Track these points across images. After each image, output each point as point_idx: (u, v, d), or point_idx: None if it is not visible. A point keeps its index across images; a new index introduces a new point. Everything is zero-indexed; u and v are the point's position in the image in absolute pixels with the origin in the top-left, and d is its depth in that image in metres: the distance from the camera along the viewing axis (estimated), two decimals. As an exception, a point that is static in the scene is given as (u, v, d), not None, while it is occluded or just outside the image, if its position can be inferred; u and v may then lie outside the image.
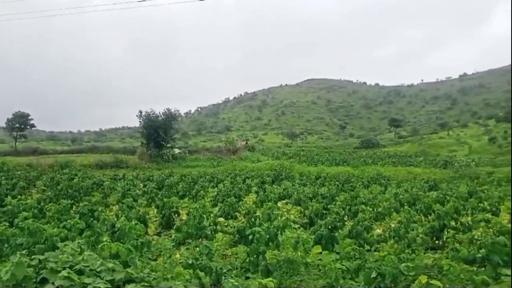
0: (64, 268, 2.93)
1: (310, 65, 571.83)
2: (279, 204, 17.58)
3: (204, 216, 12.10)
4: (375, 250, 9.72)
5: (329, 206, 14.99)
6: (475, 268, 7.10)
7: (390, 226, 12.38)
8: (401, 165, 42.53)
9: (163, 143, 43.46)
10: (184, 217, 13.25)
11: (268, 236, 9.15)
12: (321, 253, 8.75)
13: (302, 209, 15.61)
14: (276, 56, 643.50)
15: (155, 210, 15.63)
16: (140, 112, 44.01)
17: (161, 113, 44.41)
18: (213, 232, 10.89)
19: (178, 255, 9.63)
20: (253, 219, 10.23)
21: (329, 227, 10.35)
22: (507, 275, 6.84)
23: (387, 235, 10.58)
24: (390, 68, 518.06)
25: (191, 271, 5.78)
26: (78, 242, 3.92)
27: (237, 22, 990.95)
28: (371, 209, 15.02)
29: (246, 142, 79.14)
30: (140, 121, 44.18)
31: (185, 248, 10.10)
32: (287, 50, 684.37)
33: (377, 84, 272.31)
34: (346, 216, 13.32)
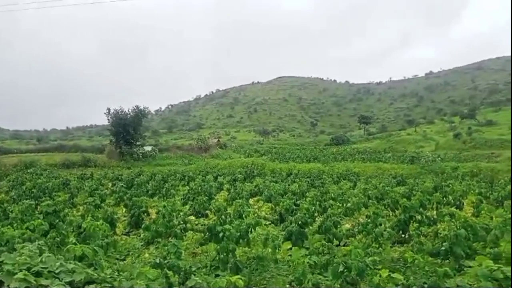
0: (21, 270, 2.82)
1: (281, 63, 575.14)
2: (251, 201, 17.62)
3: (174, 214, 12.00)
4: (344, 245, 9.89)
5: (299, 202, 15.13)
6: (439, 261, 7.34)
7: (359, 221, 12.61)
8: (370, 161, 43.41)
9: (133, 141, 42.72)
10: (154, 216, 13.07)
11: (238, 234, 9.15)
12: (291, 249, 8.84)
13: (273, 206, 15.69)
14: (247, 53, 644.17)
15: (124, 209, 15.36)
16: (108, 109, 43.14)
17: (130, 110, 43.62)
18: (183, 231, 10.80)
19: (147, 255, 9.51)
20: (223, 217, 10.19)
21: (299, 223, 10.45)
22: (470, 267, 7.09)
23: (356, 230, 10.79)
24: (360, 66, 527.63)
25: (158, 270, 5.72)
26: (38, 244, 3.79)
27: (209, 20, 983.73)
28: (340, 205, 15.26)
29: (218, 140, 78.84)
30: (108, 119, 43.27)
31: (154, 247, 9.97)
32: (258, 48, 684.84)
33: (347, 82, 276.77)
34: (316, 212, 13.47)
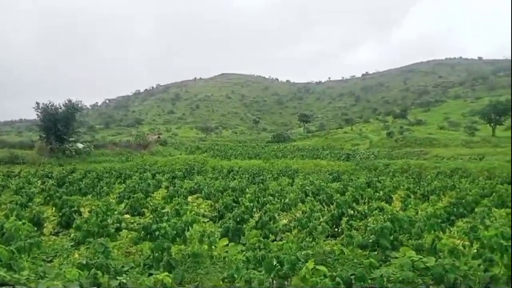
0: None
1: (225, 60, 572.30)
2: (190, 198, 17.43)
3: (108, 213, 11.56)
4: (280, 240, 10.07)
5: (239, 199, 15.24)
6: (367, 253, 7.70)
7: (296, 216, 12.90)
8: (309, 158, 44.55)
9: (65, 137, 40.45)
10: (87, 216, 12.50)
11: (175, 232, 9.01)
12: (227, 245, 8.86)
13: (213, 203, 15.65)
14: (190, 49, 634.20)
15: (54, 209, 14.53)
16: (37, 104, 40.47)
17: (61, 105, 41.26)
18: (117, 230, 10.44)
19: (76, 255, 9.07)
20: (160, 215, 9.98)
21: (237, 219, 10.51)
22: (395, 258, 7.50)
23: (292, 225, 11.04)
24: (303, 66, 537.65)
25: (84, 271, 5.46)
26: None
27: (154, 13, 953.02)
28: (278, 201, 15.53)
29: (158, 136, 77.08)
30: (37, 114, 40.64)
31: (85, 247, 9.53)
32: (202, 43, 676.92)
33: (288, 81, 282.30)
34: (255, 208, 13.60)
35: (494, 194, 17.58)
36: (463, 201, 14.43)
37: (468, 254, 7.77)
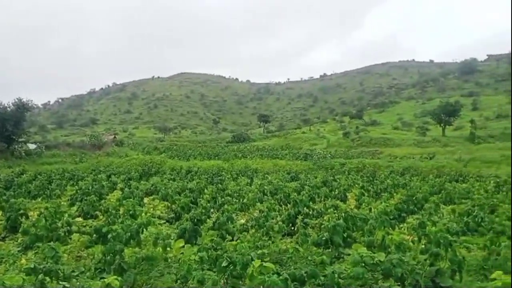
0: None
1: (183, 59, 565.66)
2: (146, 200, 17.07)
3: (58, 216, 11.10)
4: (237, 240, 10.06)
5: (197, 200, 15.09)
6: (321, 250, 7.84)
7: (253, 215, 12.94)
8: (268, 158, 44.86)
9: (14, 137, 38.48)
10: (35, 219, 11.93)
11: (129, 234, 8.78)
12: (184, 247, 8.73)
13: (170, 204, 15.40)
14: (147, 47, 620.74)
15: (1, 212, 13.78)
16: (-17, 103, 38.32)
17: (10, 103, 39.25)
18: (67, 233, 10.05)
19: (23, 261, 8.64)
20: (112, 217, 9.69)
21: (194, 220, 10.39)
22: (348, 255, 7.69)
23: (249, 225, 11.07)
24: (264, 66, 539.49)
25: (31, 276, 5.21)
26: None
27: (111, 7, 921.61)
28: (237, 200, 15.52)
29: (115, 137, 75.02)
30: (-17, 113, 38.41)
31: (34, 252, 9.12)
32: (160, 42, 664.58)
33: (248, 81, 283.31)
34: (213, 209, 13.52)
35: (442, 191, 18.47)
36: (414, 198, 15.06)
37: (416, 249, 8.12)
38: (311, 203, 14.44)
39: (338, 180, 23.75)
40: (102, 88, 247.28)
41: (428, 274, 5.06)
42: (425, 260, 5.77)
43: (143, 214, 11.70)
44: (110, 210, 11.08)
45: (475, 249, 9.12)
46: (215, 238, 7.96)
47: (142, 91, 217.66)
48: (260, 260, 4.44)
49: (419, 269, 5.38)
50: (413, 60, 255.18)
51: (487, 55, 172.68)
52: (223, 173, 28.88)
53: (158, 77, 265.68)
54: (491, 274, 4.55)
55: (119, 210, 12.64)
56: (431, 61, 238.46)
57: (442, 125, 66.74)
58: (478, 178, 26.61)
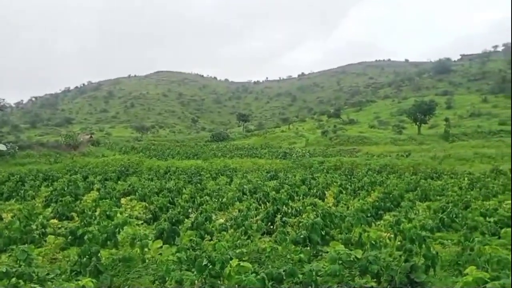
0: None
1: (160, 57, 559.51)
2: (123, 200, 16.81)
3: (32, 218, 10.85)
4: (216, 239, 10.03)
5: (175, 200, 14.98)
6: (300, 248, 7.89)
7: (233, 215, 12.92)
8: (247, 157, 44.88)
9: (-14, 137, 37.36)
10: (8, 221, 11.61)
11: (105, 235, 8.65)
12: (162, 247, 8.65)
13: (147, 205, 15.22)
14: (124, 45, 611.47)
15: (-30, 215, 13.34)
16: (-47, 101, 37.03)
17: (-18, 103, 38.07)
18: (42, 235, 9.82)
19: (-4, 264, 8.40)
20: (88, 218, 9.52)
21: (172, 220, 10.31)
22: (326, 252, 7.77)
23: (228, 224, 11.04)
24: (240, 65, 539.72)
25: (4, 280, 5.07)
26: None
27: (87, 3, 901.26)
28: (216, 200, 15.48)
29: (91, 136, 73.56)
30: (-47, 112, 37.14)
31: (7, 255, 8.87)
32: (137, 40, 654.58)
33: (226, 80, 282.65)
34: (191, 209, 13.44)
35: (418, 188, 18.88)
36: (390, 195, 15.34)
37: (393, 246, 8.27)
38: (290, 201, 14.53)
39: (316, 178, 23.96)
40: (77, 87, 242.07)
41: (403, 270, 5.16)
42: (400, 256, 5.88)
43: (119, 214, 11.56)
44: (86, 211, 10.87)
45: (449, 245, 9.35)
46: (193, 238, 7.92)
47: (118, 90, 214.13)
48: (237, 260, 4.44)
49: (394, 265, 5.48)
50: (389, 59, 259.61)
51: (460, 55, 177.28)
52: (202, 172, 28.75)
53: (135, 75, 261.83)
54: (464, 269, 4.68)
55: (95, 211, 12.43)
56: (407, 61, 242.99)
57: (417, 123, 68.11)
58: (453, 175, 27.31)
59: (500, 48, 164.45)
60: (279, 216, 10.94)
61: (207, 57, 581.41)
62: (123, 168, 29.72)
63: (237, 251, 7.34)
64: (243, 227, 9.34)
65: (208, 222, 10.49)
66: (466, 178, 24.24)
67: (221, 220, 12.63)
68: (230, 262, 4.51)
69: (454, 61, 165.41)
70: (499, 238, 8.81)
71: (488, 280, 3.86)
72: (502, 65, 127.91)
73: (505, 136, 56.02)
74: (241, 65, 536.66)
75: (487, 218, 10.92)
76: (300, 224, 8.51)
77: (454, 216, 11.12)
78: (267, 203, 14.85)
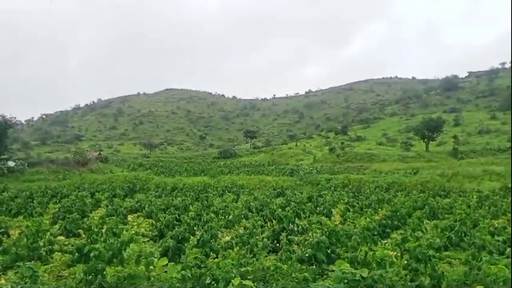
0: None
1: (169, 75, 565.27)
2: (130, 217, 16.86)
3: (39, 234, 10.91)
4: (222, 257, 9.99)
5: (182, 217, 14.97)
6: (305, 267, 7.85)
7: (239, 232, 12.89)
8: (254, 174, 44.84)
9: (-3, 154, 37.86)
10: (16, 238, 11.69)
11: (111, 253, 8.67)
12: (167, 265, 8.64)
13: (154, 222, 15.23)
14: (133, 63, 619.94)
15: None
16: (-35, 119, 37.74)
17: (-7, 120, 38.73)
18: (48, 252, 9.87)
19: (3, 281, 8.46)
20: (94, 236, 9.56)
21: (178, 238, 10.30)
22: (332, 271, 7.71)
23: (234, 242, 11.01)
24: (248, 82, 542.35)
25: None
26: None
27: (97, 21, 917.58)
28: (222, 217, 15.45)
29: (99, 153, 74.10)
30: (-35, 130, 37.78)
31: (14, 272, 8.92)
32: (146, 58, 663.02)
33: (234, 97, 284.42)
34: (196, 226, 13.42)
35: (426, 206, 18.68)
36: (397, 214, 15.19)
37: (399, 265, 8.18)
38: (296, 219, 14.47)
39: (323, 195, 23.83)
40: (87, 104, 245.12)
41: (409, 289, 5.12)
42: (406, 275, 5.83)
43: (125, 231, 11.59)
44: (92, 228, 10.92)
45: (457, 264, 9.23)
46: (199, 256, 7.91)
47: (127, 107, 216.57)
48: (239, 278, 4.44)
49: (400, 285, 5.44)
50: (396, 76, 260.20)
51: (468, 72, 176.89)
52: (209, 189, 28.76)
53: (144, 93, 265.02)
54: (471, 288, 4.64)
55: (102, 228, 12.48)
56: (414, 78, 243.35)
57: (425, 140, 67.74)
58: (461, 193, 26.99)
59: (507, 65, 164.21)
60: (284, 234, 10.90)
61: (215, 74, 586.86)
62: (130, 185, 29.84)
63: (242, 269, 7.31)
64: (249, 245, 9.31)
65: (213, 239, 10.48)
66: (474, 196, 23.94)
67: (227, 238, 12.60)
68: (232, 281, 4.51)
69: (462, 78, 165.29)
70: (508, 257, 8.68)
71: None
72: (510, 81, 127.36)
73: (515, 153, 55.43)
74: (249, 82, 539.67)
75: (496, 237, 10.76)
76: (306, 243, 8.47)
77: (462, 234, 10.99)
78: (273, 220, 14.79)
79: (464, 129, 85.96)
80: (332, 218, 16.51)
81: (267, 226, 13.93)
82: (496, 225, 13.56)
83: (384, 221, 13.31)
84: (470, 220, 14.17)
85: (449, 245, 10.41)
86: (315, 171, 47.35)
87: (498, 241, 10.15)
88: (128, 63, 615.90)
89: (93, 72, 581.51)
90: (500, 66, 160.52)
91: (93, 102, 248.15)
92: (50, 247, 10.13)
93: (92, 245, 7.83)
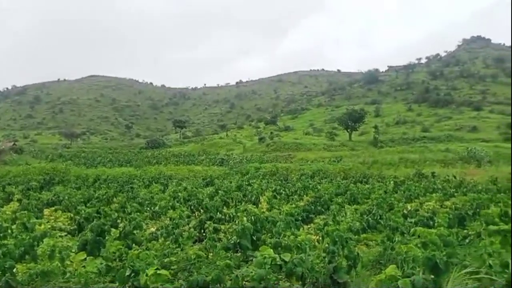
0: None
1: (94, 62, 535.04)
2: (46, 211, 15.75)
3: None
4: (146, 249, 9.69)
5: (103, 209, 14.28)
6: (230, 254, 7.86)
7: (164, 223, 12.59)
8: (184, 164, 44.21)
9: None
10: None
11: (23, 249, 8.03)
12: (85, 259, 8.20)
13: (73, 215, 14.38)
14: (53, 47, 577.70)
15: None
16: None
17: None
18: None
19: None
20: (4, 232, 8.78)
21: (97, 230, 9.80)
22: (255, 257, 7.79)
23: (159, 233, 10.73)
24: (180, 72, 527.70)
25: None
26: None
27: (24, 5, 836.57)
28: (148, 209, 15.01)
29: (14, 144, 68.41)
30: None
31: None
32: (69, 43, 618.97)
33: (163, 85, 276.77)
34: (120, 219, 12.90)
35: (347, 192, 19.66)
36: (321, 199, 15.82)
37: (320, 248, 8.50)
38: (224, 208, 14.47)
39: (252, 184, 24.11)
40: (0, 91, 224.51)
41: (327, 271, 5.32)
42: (324, 258, 6.06)
43: (38, 226, 10.83)
44: (2, 224, 10.03)
45: (373, 245, 9.82)
46: (120, 248, 7.60)
47: (46, 95, 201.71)
48: (153, 268, 4.31)
49: (319, 267, 5.63)
50: (323, 69, 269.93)
51: (388, 66, 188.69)
52: (134, 180, 27.80)
53: (65, 79, 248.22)
54: (385, 268, 4.92)
55: (14, 224, 11.51)
56: (339, 71, 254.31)
57: (348, 130, 71.46)
58: (380, 179, 28.85)
59: (423, 60, 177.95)
60: (209, 222, 10.84)
61: (145, 64, 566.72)
62: (47, 177, 27.89)
63: (165, 260, 7.15)
64: (174, 236, 9.12)
65: (137, 231, 10.12)
66: (391, 182, 25.69)
67: (152, 229, 12.26)
68: (146, 271, 4.36)
69: (382, 72, 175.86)
70: (419, 237, 9.41)
71: (399, 278, 4.08)
72: (424, 76, 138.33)
73: (428, 142, 60.57)
74: (181, 72, 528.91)
75: (408, 219, 11.62)
76: (232, 231, 8.48)
77: (378, 218, 11.70)
78: (201, 210, 14.65)
79: (383, 120, 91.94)
80: (260, 205, 16.74)
81: (195, 216, 13.76)
82: (409, 208, 14.64)
83: (307, 207, 13.76)
84: (386, 204, 15.16)
85: (367, 228, 11.02)
86: (245, 160, 47.82)
87: (410, 222, 10.97)
88: (47, 48, 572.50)
89: (6, 57, 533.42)
90: (416, 61, 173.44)
91: (7, 88, 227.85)
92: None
93: (1, 242, 7.17)
